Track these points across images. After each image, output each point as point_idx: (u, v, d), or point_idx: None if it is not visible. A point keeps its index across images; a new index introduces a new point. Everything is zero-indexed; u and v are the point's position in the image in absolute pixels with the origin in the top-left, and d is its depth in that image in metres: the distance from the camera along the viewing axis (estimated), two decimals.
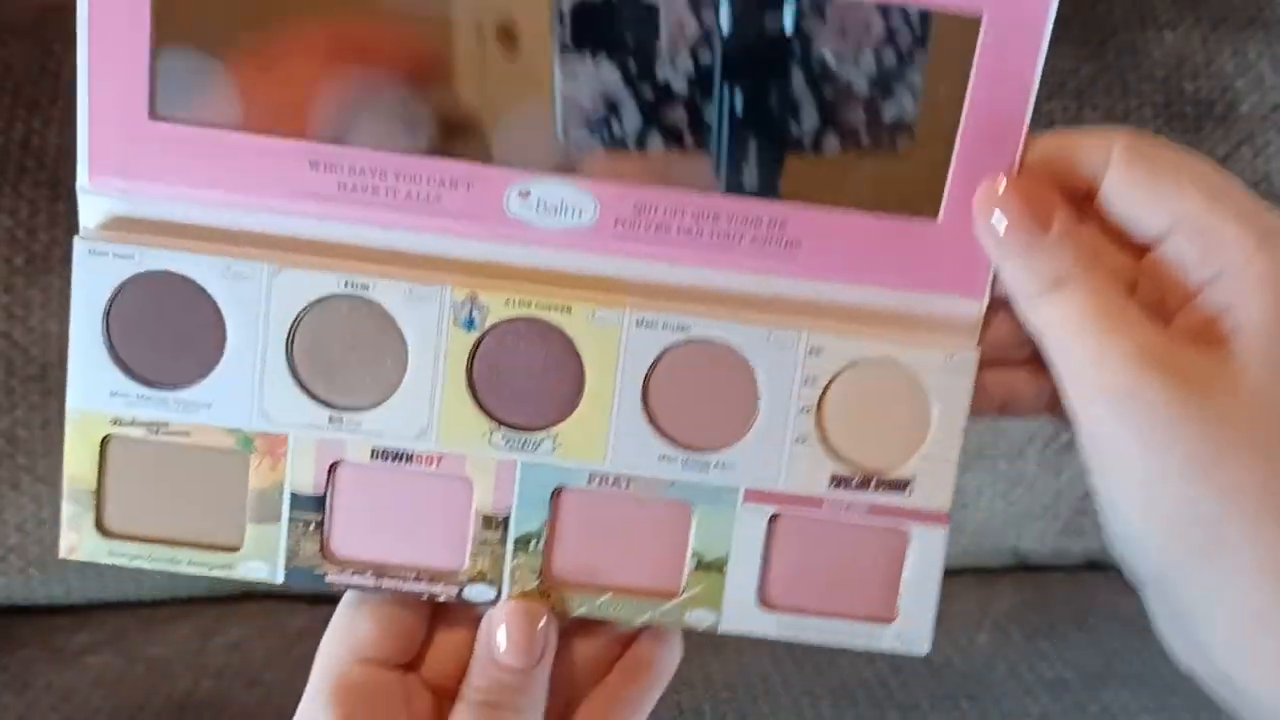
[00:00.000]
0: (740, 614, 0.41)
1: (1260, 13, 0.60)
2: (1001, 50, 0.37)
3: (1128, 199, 0.38)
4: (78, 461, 0.40)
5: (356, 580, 0.41)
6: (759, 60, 0.39)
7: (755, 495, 0.41)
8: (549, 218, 0.39)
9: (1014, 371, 0.41)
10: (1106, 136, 0.38)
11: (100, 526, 0.41)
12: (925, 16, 0.38)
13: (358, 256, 0.39)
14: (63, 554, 0.41)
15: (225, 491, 0.41)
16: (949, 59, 0.38)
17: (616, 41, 0.38)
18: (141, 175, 0.39)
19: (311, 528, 0.41)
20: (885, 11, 0.38)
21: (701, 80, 0.38)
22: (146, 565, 0.41)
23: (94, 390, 0.40)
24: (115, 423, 0.40)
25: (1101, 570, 0.82)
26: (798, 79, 0.39)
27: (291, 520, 0.41)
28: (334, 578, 0.41)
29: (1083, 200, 0.38)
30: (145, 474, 0.41)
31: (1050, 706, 0.67)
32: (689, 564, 0.41)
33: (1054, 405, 0.42)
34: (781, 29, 0.38)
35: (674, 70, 0.38)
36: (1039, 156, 0.38)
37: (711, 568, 0.41)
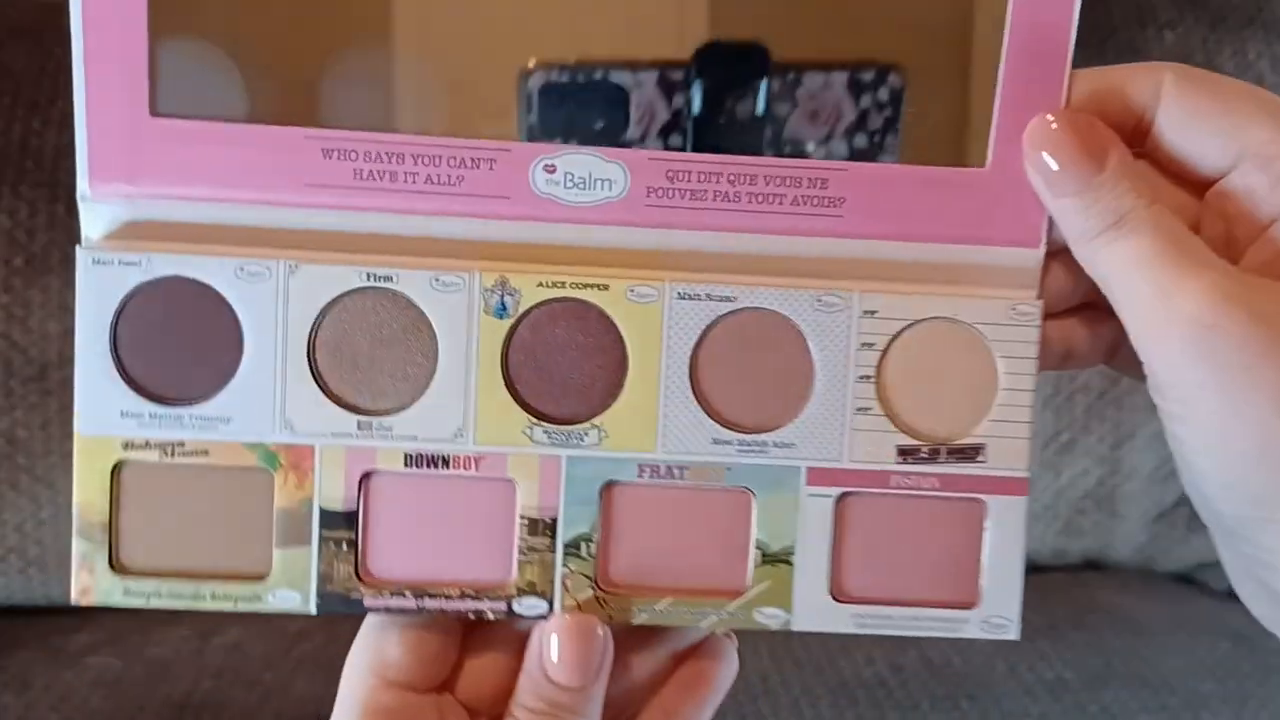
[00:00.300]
0: (812, 609, 0.38)
1: (1260, 12, 0.60)
2: None
3: (1188, 130, 0.36)
4: (88, 492, 0.37)
5: (396, 603, 0.38)
6: (731, 142, 0.37)
7: (819, 475, 0.38)
8: (578, 192, 0.37)
9: (1070, 321, 0.39)
10: (1154, 68, 0.36)
11: (114, 563, 0.37)
12: (898, 96, 0.37)
13: (379, 248, 0.37)
14: (74, 599, 0.38)
15: (249, 514, 0.38)
16: None
17: (584, 125, 0.37)
18: (146, 178, 0.36)
19: (344, 547, 0.38)
20: (857, 93, 0.37)
21: None
22: (166, 604, 0.38)
23: (103, 413, 0.37)
24: (127, 446, 0.37)
25: (1101, 570, 0.80)
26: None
27: (322, 540, 0.37)
28: (372, 601, 0.38)
29: (1132, 135, 0.36)
30: (161, 502, 0.37)
31: (1050, 706, 0.65)
32: (753, 557, 0.38)
33: (1112, 354, 0.40)
34: (753, 111, 0.37)
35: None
36: (1084, 93, 0.36)
37: (778, 560, 0.38)
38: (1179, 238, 0.35)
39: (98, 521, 0.37)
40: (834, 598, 0.38)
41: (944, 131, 0.38)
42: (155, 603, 0.38)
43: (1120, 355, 0.40)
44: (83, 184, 0.37)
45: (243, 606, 0.38)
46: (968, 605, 0.39)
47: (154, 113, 0.36)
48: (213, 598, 0.38)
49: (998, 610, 0.38)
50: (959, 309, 0.38)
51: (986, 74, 0.37)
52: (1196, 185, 0.37)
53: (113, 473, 0.37)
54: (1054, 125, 0.36)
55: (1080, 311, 0.39)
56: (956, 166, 0.37)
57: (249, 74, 0.37)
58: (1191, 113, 0.36)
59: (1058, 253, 0.38)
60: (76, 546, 0.37)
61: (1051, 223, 0.37)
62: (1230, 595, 0.78)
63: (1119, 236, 0.35)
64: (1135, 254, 0.35)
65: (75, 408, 0.37)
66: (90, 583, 0.37)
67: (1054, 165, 0.36)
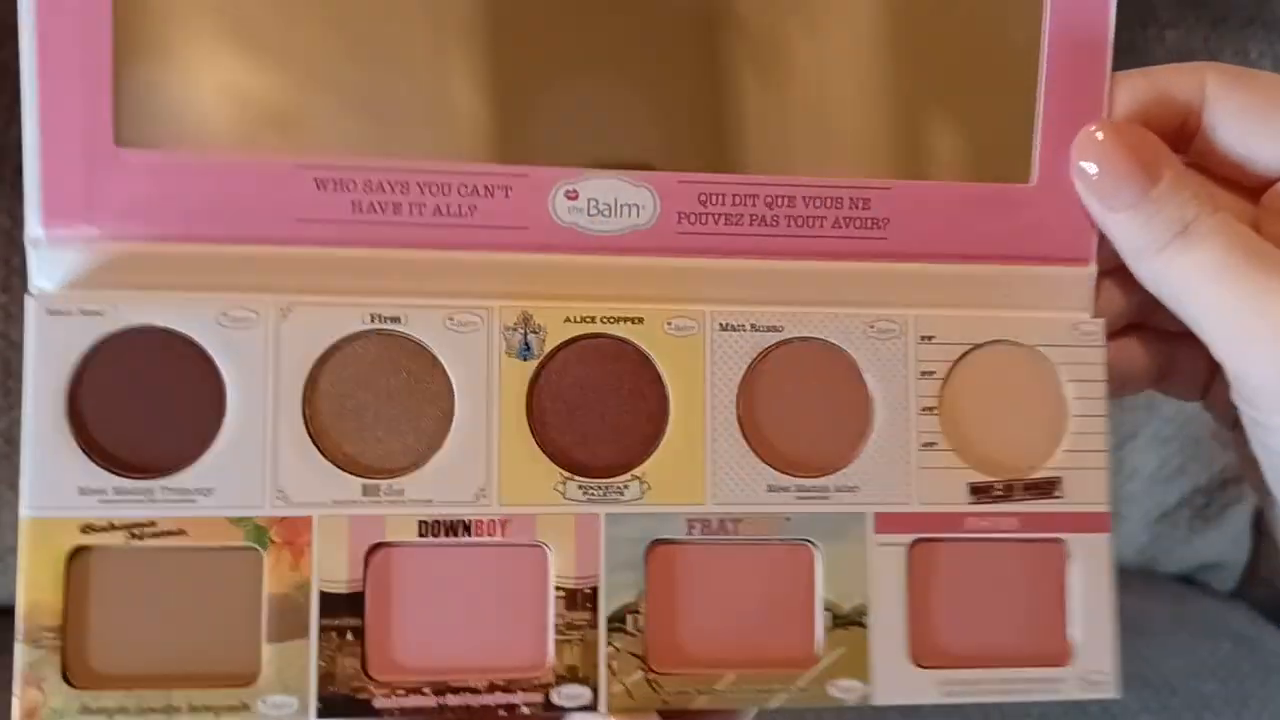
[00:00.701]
0: (893, 678, 0.33)
1: (1261, 12, 0.61)
2: None
3: (1240, 132, 0.34)
4: (37, 589, 0.31)
5: (413, 702, 0.32)
6: None
7: (887, 521, 0.34)
8: (603, 220, 0.33)
9: (1121, 343, 0.37)
10: (1194, 70, 0.35)
11: (69, 675, 0.31)
12: None
13: (383, 287, 0.33)
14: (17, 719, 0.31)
15: (234, 604, 0.32)
16: (1021, 2, 0.35)
17: None
18: (109, 217, 0.32)
19: (349, 637, 0.32)
20: None
21: None
22: None
23: (57, 490, 0.31)
24: (86, 530, 0.31)
25: None
26: None
27: (323, 631, 0.32)
28: (384, 702, 0.32)
29: (1176, 139, 0.35)
30: (127, 595, 0.31)
31: (1051, 707, 0.62)
32: (822, 620, 0.33)
33: (1163, 378, 0.38)
34: None
35: None
36: (1126, 99, 0.35)
37: (850, 621, 0.33)
38: (1252, 243, 0.33)
39: (49, 624, 0.31)
40: (915, 663, 0.34)
41: (986, 147, 0.35)
42: None
43: (1170, 379, 0.38)
44: (34, 226, 0.32)
45: None
46: (1059, 661, 0.34)
47: (119, 142, 0.32)
48: (190, 710, 0.31)
49: (1093, 664, 0.34)
50: (1020, 330, 0.35)
51: (1025, 86, 0.35)
52: (1250, 187, 0.35)
53: (68, 562, 0.31)
54: (1102, 137, 0.34)
55: (1129, 334, 0.37)
56: (1001, 183, 0.35)
57: (228, 97, 0.33)
58: (1242, 114, 0.34)
59: (1106, 272, 0.36)
60: (21, 656, 0.31)
61: (1101, 240, 0.35)
62: (1232, 596, 0.76)
63: (1188, 247, 0.33)
64: (1211, 264, 0.33)
65: (22, 485, 0.31)
66: (38, 700, 0.30)
67: (1107, 179, 0.34)
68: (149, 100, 0.32)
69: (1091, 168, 0.34)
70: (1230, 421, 0.37)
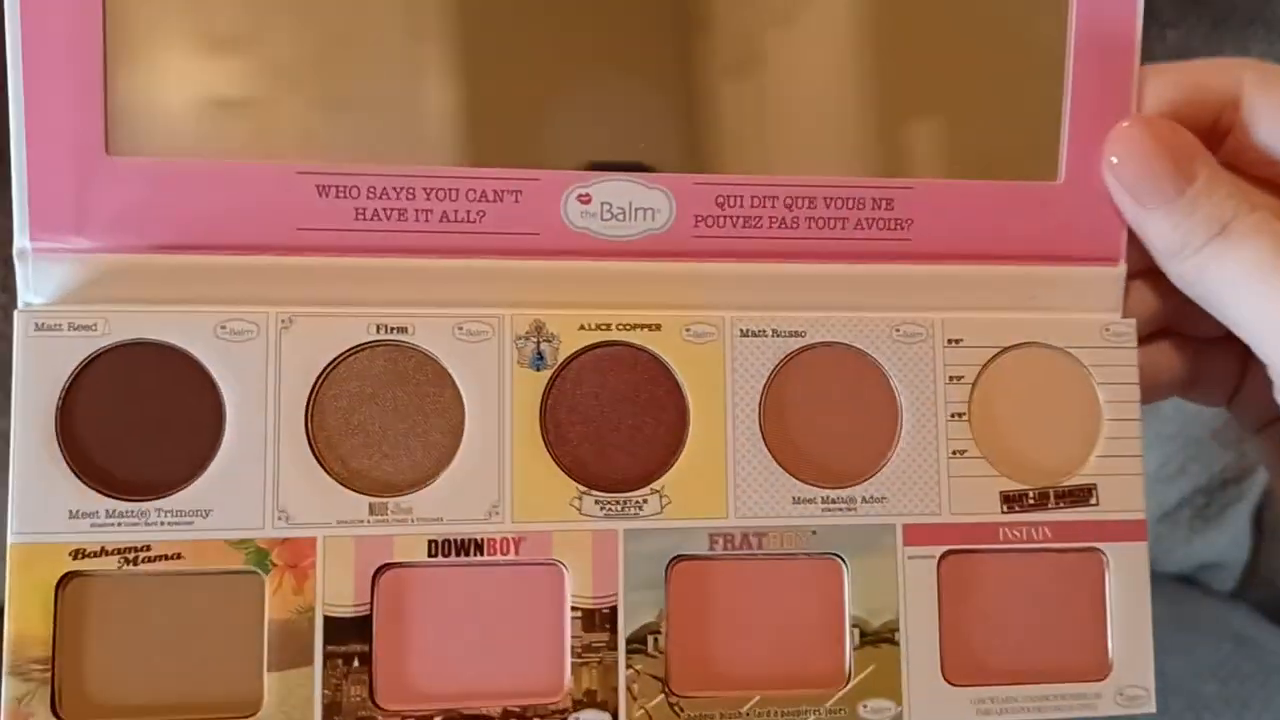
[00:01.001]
0: (926, 697, 0.32)
1: (1262, 11, 0.60)
2: None
3: (1278, 129, 0.33)
4: (25, 619, 0.29)
5: None
6: None
7: (917, 533, 0.32)
8: (616, 224, 0.32)
9: (1152, 348, 0.36)
10: (1228, 67, 0.34)
11: (58, 708, 0.29)
12: None
13: (389, 296, 0.31)
14: None
15: (234, 632, 0.30)
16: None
17: None
18: (100, 229, 0.30)
19: (355, 664, 0.30)
20: None
21: None
22: None
23: (45, 513, 0.29)
24: (77, 555, 0.29)
25: None
26: None
27: (328, 658, 0.30)
28: None
29: (1209, 136, 0.34)
30: (121, 623, 0.30)
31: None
32: (851, 637, 0.32)
33: (1190, 384, 0.37)
34: None
35: None
36: (1158, 94, 0.34)
37: (880, 638, 0.32)
38: None
39: (38, 656, 0.29)
40: (948, 681, 0.32)
41: (1013, 145, 0.34)
42: None
43: (1198, 385, 0.37)
44: (21, 238, 0.30)
45: None
46: (1098, 676, 0.33)
47: (111, 151, 0.30)
48: None
49: (1132, 679, 0.33)
50: (1049, 332, 0.33)
51: (1052, 83, 0.34)
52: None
53: (58, 590, 0.29)
54: (1137, 133, 0.33)
55: (1159, 339, 0.36)
56: (1028, 180, 0.34)
57: (227, 101, 0.31)
58: (1278, 114, 0.33)
59: (1134, 275, 0.35)
60: (9, 690, 0.29)
61: (1131, 239, 0.34)
62: (1232, 596, 0.75)
63: (1229, 246, 0.32)
64: (1255, 263, 0.31)
65: (10, 508, 0.29)
66: None
67: (1142, 176, 0.32)
68: (142, 107, 0.30)
69: (1126, 164, 0.33)
70: (1257, 425, 0.35)
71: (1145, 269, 0.34)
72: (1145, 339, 0.36)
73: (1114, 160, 0.33)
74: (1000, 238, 0.34)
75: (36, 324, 0.30)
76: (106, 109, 0.30)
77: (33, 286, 0.30)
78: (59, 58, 0.30)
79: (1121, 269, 0.34)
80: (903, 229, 0.33)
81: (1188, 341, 0.36)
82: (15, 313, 0.30)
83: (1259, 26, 0.57)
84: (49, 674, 0.29)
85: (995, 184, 0.34)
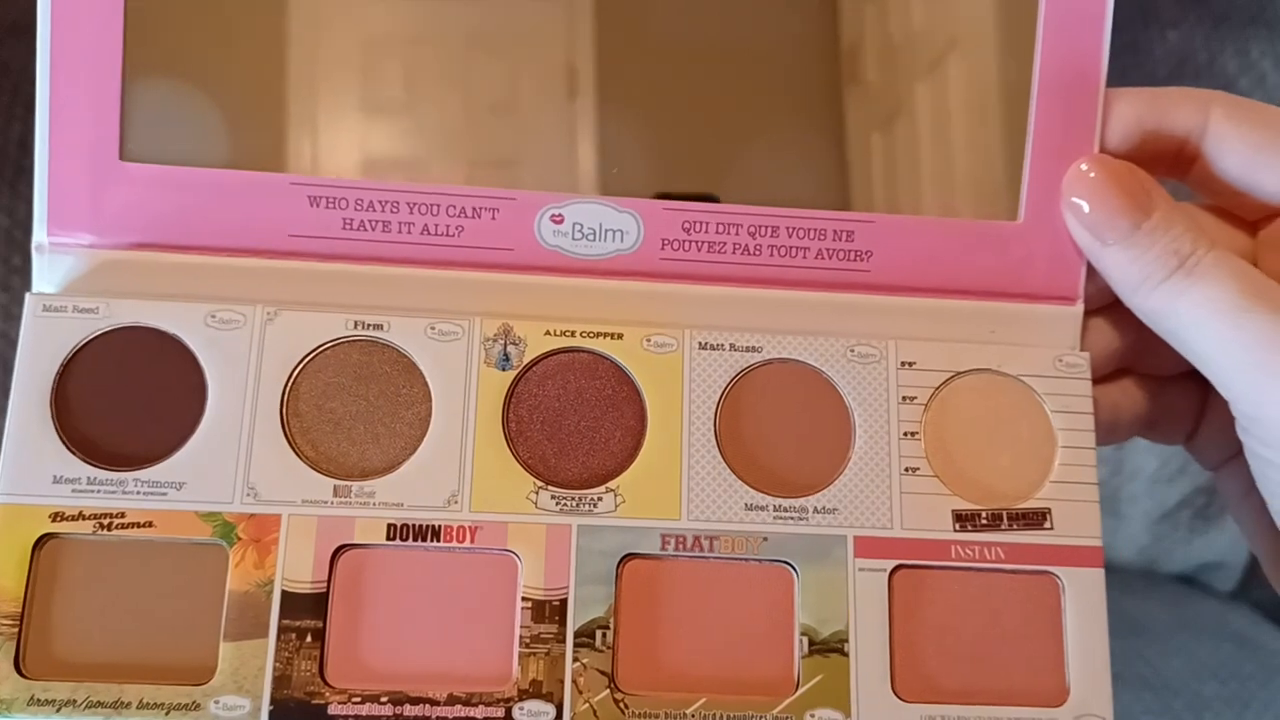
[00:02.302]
0: (875, 711, 0.32)
1: (1262, 11, 0.60)
2: (1066, 21, 0.35)
3: (1242, 165, 0.34)
4: (1, 573, 0.31)
5: (369, 711, 0.31)
6: None
7: (868, 546, 0.33)
8: (587, 244, 0.34)
9: (1111, 388, 0.36)
10: (1200, 99, 0.35)
11: (21, 664, 0.30)
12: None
13: (368, 299, 0.33)
14: None
15: (195, 601, 0.31)
16: (1012, 40, 0.36)
17: None
18: (112, 227, 0.33)
19: (308, 640, 0.31)
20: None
21: None
22: (80, 717, 0.30)
23: (31, 477, 0.31)
24: (55, 518, 0.31)
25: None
26: None
27: (281, 632, 0.31)
28: (339, 709, 0.31)
29: (1174, 164, 0.35)
30: (89, 586, 0.31)
31: None
32: (800, 645, 0.32)
33: (1149, 425, 0.37)
34: None
35: None
36: (1125, 118, 0.35)
37: (829, 648, 0.32)
38: (1255, 279, 0.32)
39: (8, 611, 0.30)
40: (899, 696, 0.32)
41: (973, 183, 0.36)
42: (67, 715, 0.30)
43: (1158, 424, 0.37)
44: (40, 234, 0.33)
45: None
46: (1055, 702, 0.32)
47: (124, 157, 0.33)
48: (140, 706, 0.30)
49: (1090, 707, 0.32)
50: (1004, 361, 0.34)
51: (1016, 124, 0.35)
52: (1248, 220, 0.35)
53: (34, 549, 0.31)
54: (1093, 174, 0.34)
55: (1119, 379, 0.37)
56: (988, 220, 0.35)
57: (229, 116, 0.34)
58: (1245, 146, 0.34)
59: (1094, 313, 0.36)
60: None
61: (1089, 278, 0.35)
62: (1232, 596, 0.71)
63: (1190, 284, 0.32)
64: (1218, 299, 0.32)
65: (0, 469, 0.31)
66: None
67: (1099, 213, 0.34)
68: (154, 119, 0.34)
69: (1082, 203, 0.34)
70: (1214, 463, 0.36)
71: (1105, 306, 0.35)
72: (1106, 378, 0.36)
73: (1072, 199, 0.34)
74: (959, 273, 0.35)
75: (44, 305, 0.32)
76: (123, 120, 0.33)
77: (46, 277, 0.33)
78: (82, 75, 0.33)
79: (1079, 308, 0.35)
80: (862, 260, 0.35)
81: (1147, 380, 0.37)
82: (27, 295, 0.33)
83: (1259, 26, 0.58)
84: (16, 630, 0.30)
85: (955, 221, 0.35)
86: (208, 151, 0.34)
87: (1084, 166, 0.34)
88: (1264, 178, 0.34)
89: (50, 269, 0.33)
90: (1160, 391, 0.36)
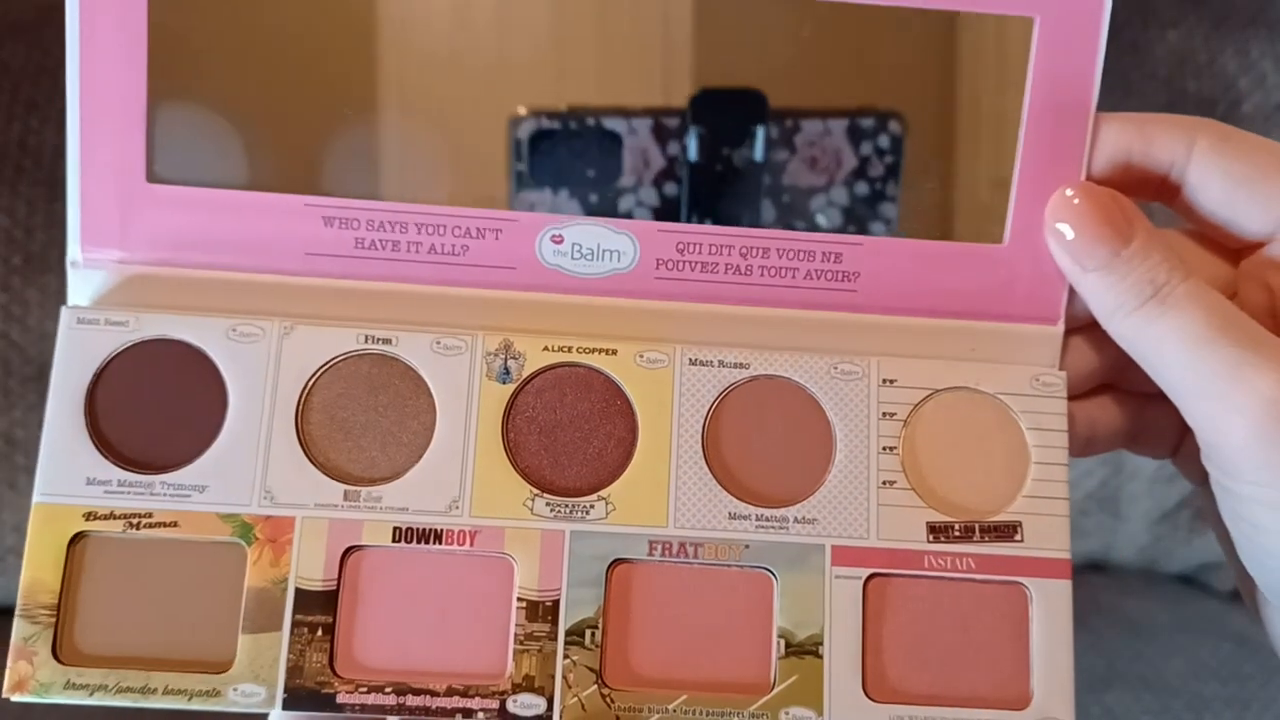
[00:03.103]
0: (847, 710, 0.34)
1: (1262, 12, 0.62)
2: (1058, 51, 0.36)
3: (1224, 196, 0.35)
4: (39, 568, 0.33)
5: (374, 700, 0.33)
6: (728, 188, 0.38)
7: (845, 554, 0.35)
8: (585, 263, 0.36)
9: (1090, 403, 0.38)
10: (1186, 127, 0.35)
11: (59, 651, 0.33)
12: (898, 143, 0.38)
13: (379, 314, 0.36)
14: (6, 692, 0.33)
15: (216, 595, 0.34)
16: (1004, 65, 0.37)
17: (577, 173, 0.38)
18: (140, 245, 0.35)
19: (319, 633, 0.33)
20: (857, 140, 0.38)
21: (667, 211, 0.38)
22: (112, 701, 0.33)
23: (67, 479, 0.34)
24: (89, 517, 0.34)
25: (1104, 572, 0.74)
26: (767, 210, 0.38)
27: (295, 625, 0.33)
28: (346, 698, 0.33)
29: (1158, 191, 0.36)
30: (120, 580, 0.34)
31: None
32: (777, 648, 0.34)
33: (1132, 439, 0.38)
34: (751, 157, 0.38)
35: (638, 203, 0.38)
36: (1111, 145, 0.36)
37: (804, 651, 0.34)
38: (1228, 311, 0.33)
39: (46, 602, 0.33)
40: (869, 696, 0.34)
41: (962, 207, 0.38)
42: (100, 699, 0.33)
43: (1142, 439, 0.38)
44: (74, 250, 0.36)
45: (196, 705, 0.33)
46: (1018, 706, 0.34)
47: (151, 179, 0.36)
48: (165, 692, 0.33)
49: (1051, 712, 0.34)
50: (982, 380, 0.36)
51: (1004, 149, 0.37)
52: (1230, 251, 0.36)
53: (69, 546, 0.34)
54: (1076, 200, 0.35)
55: (1101, 394, 0.38)
56: (974, 242, 0.37)
57: (248, 140, 0.37)
58: (1227, 177, 0.35)
59: (1074, 331, 0.37)
60: (18, 630, 0.33)
61: (1071, 300, 0.37)
62: (1233, 596, 0.72)
63: (1162, 313, 0.33)
64: (1187, 330, 0.33)
65: (37, 473, 0.34)
66: (28, 673, 0.33)
67: (1080, 240, 0.35)
68: (179, 142, 0.36)
69: (1066, 229, 0.35)
70: (1200, 478, 0.37)
71: (1089, 324, 0.36)
72: (1091, 392, 0.38)
73: (1055, 223, 0.35)
74: (943, 294, 0.37)
75: (79, 319, 0.35)
76: (149, 144, 0.36)
77: (79, 291, 0.36)
78: (110, 100, 0.35)
79: (1059, 329, 0.37)
80: (849, 281, 0.37)
81: (1130, 396, 0.38)
82: (62, 308, 0.35)
83: (1259, 26, 0.58)
84: (54, 619, 0.33)
85: (941, 244, 0.37)
86: (229, 173, 0.36)
87: (1069, 193, 0.35)
88: (1245, 211, 0.35)
89: (83, 283, 0.36)
90: (1142, 408, 0.38)
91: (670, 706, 0.34)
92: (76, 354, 0.35)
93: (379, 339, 0.35)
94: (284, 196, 0.36)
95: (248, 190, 0.36)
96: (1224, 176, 0.35)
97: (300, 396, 0.35)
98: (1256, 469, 0.32)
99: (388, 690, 0.33)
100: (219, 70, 0.36)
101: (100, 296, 0.36)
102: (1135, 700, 0.60)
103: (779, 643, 0.34)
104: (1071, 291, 0.36)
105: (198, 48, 0.36)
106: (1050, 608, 0.35)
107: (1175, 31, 0.58)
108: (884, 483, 0.35)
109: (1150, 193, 0.36)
